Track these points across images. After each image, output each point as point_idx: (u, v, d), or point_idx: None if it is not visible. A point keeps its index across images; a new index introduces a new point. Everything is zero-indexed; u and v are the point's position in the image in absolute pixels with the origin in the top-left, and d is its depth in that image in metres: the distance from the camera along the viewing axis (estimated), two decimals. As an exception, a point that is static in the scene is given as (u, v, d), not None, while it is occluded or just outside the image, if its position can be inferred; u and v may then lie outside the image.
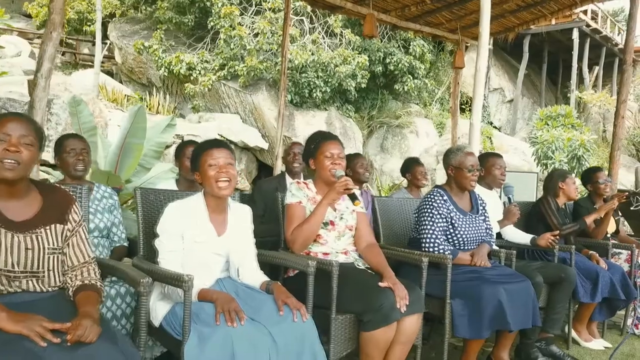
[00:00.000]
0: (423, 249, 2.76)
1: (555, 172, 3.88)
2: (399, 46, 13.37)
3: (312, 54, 11.88)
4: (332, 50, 12.25)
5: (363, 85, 12.55)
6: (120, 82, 14.79)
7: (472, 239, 2.86)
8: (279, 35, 11.73)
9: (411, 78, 13.13)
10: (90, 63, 15.84)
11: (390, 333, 2.15)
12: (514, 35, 8.61)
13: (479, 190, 3.38)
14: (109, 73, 15.55)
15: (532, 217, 3.73)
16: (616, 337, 3.80)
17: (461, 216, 2.86)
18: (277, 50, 11.71)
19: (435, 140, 13.78)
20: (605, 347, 3.54)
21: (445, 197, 2.86)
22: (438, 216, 2.79)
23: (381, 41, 13.26)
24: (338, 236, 2.50)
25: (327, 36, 12.63)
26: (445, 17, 7.49)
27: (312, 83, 11.92)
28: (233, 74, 11.98)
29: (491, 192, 3.48)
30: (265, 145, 11.83)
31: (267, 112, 11.81)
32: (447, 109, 15.13)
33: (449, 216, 2.83)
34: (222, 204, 2.12)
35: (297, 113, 12.07)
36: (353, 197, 2.38)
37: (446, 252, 2.71)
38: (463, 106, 16.07)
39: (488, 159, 3.47)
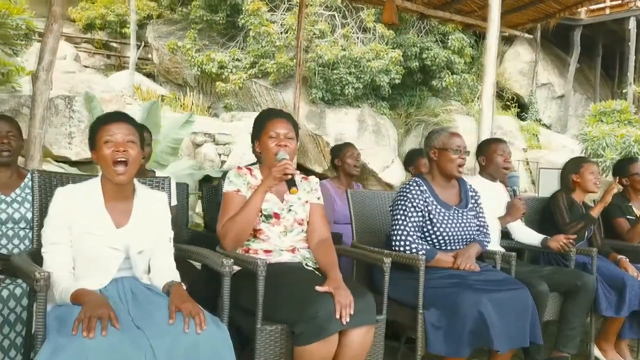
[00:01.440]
0: (393, 248, 2.34)
1: (569, 163, 3.32)
2: (436, 40, 12.78)
3: (344, 50, 11.51)
4: (365, 46, 11.84)
5: (397, 81, 12.06)
6: (160, 83, 14.95)
7: (457, 237, 2.42)
8: (309, 31, 11.46)
9: (449, 73, 12.52)
10: (135, 66, 16.15)
11: (329, 348, 1.76)
12: (555, 22, 7.92)
13: (480, 182, 2.92)
14: (151, 75, 15.76)
15: (545, 214, 3.21)
16: (653, 358, 3.21)
17: (442, 210, 2.41)
18: (306, 46, 11.44)
19: (476, 138, 13.07)
20: (636, 370, 2.98)
21: (423, 187, 2.43)
22: (412, 209, 2.37)
23: (417, 36, 12.73)
24: (284, 231, 2.12)
25: (359, 31, 12.23)
26: (476, 3, 6.94)
27: (343, 79, 11.55)
28: (263, 72, 11.80)
29: (495, 184, 3.00)
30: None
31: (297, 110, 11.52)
32: (490, 106, 14.32)
33: (425, 209, 2.39)
34: (125, 190, 1.80)
35: (328, 110, 11.72)
36: (291, 184, 1.99)
37: (419, 252, 2.28)
38: (508, 103, 15.25)
39: (489, 144, 3.00)
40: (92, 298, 1.50)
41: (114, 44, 17.14)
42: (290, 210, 2.14)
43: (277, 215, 2.11)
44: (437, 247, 2.40)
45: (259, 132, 2.17)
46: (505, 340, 2.09)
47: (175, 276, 1.78)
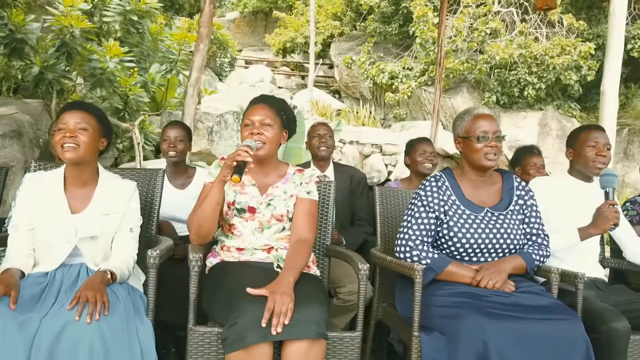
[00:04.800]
0: (395, 255, 1.94)
1: None
2: (645, 27, 10.71)
3: (522, 47, 10.42)
4: (549, 41, 10.54)
5: (591, 78, 10.42)
6: (342, 99, 15.59)
7: (488, 246, 1.89)
8: (480, 31, 10.69)
9: (664, 65, 10.34)
10: (323, 84, 17.24)
11: (255, 361, 1.52)
12: None
13: (567, 183, 2.30)
14: (337, 92, 16.58)
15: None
16: None
17: (467, 211, 1.92)
18: (478, 48, 10.68)
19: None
20: None
21: (444, 184, 1.97)
22: (422, 210, 1.93)
23: (621, 23, 10.83)
24: (259, 227, 1.92)
25: (544, 25, 10.93)
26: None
27: (522, 80, 10.45)
28: (433, 79, 11.39)
29: (590, 184, 2.30)
30: (466, 153, 10.85)
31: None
32: None
33: (440, 210, 1.92)
34: (84, 175, 1.84)
35: (503, 115, 10.72)
36: (236, 171, 1.77)
37: (422, 261, 1.84)
38: None
39: (578, 134, 2.31)
40: (1, 278, 1.57)
41: (306, 65, 18.48)
42: (269, 204, 1.94)
43: (252, 210, 1.93)
44: (458, 258, 1.91)
45: (242, 121, 2.03)
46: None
47: (118, 266, 1.75)
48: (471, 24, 10.74)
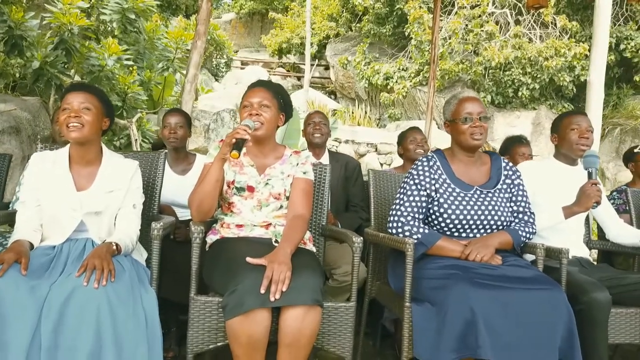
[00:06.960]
0: (387, 230, 2.03)
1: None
2: (638, 28, 10.87)
3: (518, 49, 10.56)
4: (543, 42, 10.68)
5: (584, 79, 10.55)
6: (337, 100, 15.70)
7: (476, 223, 1.98)
8: (475, 34, 10.80)
9: (656, 65, 10.48)
10: (319, 85, 17.34)
11: (254, 327, 1.60)
12: None
13: (551, 166, 2.39)
14: (333, 93, 16.69)
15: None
16: None
17: (457, 189, 2.01)
18: (474, 49, 10.81)
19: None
20: None
21: (435, 163, 2.06)
22: (414, 188, 2.02)
23: (614, 24, 10.98)
24: (257, 205, 2.00)
25: (537, 27, 11.07)
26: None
27: (517, 80, 10.58)
28: (428, 79, 11.50)
29: (575, 167, 2.39)
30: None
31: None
32: None
33: (431, 188, 2.01)
34: (89, 154, 1.91)
35: (498, 115, 10.85)
36: (235, 147, 1.84)
37: (413, 236, 1.92)
38: None
39: (562, 120, 2.40)
40: (12, 246, 1.64)
41: (302, 66, 18.59)
42: (267, 183, 2.03)
43: (251, 189, 2.01)
44: (448, 234, 2.00)
45: (240, 106, 2.11)
46: (504, 351, 1.62)
47: (122, 238, 1.82)
48: (466, 25, 10.86)
